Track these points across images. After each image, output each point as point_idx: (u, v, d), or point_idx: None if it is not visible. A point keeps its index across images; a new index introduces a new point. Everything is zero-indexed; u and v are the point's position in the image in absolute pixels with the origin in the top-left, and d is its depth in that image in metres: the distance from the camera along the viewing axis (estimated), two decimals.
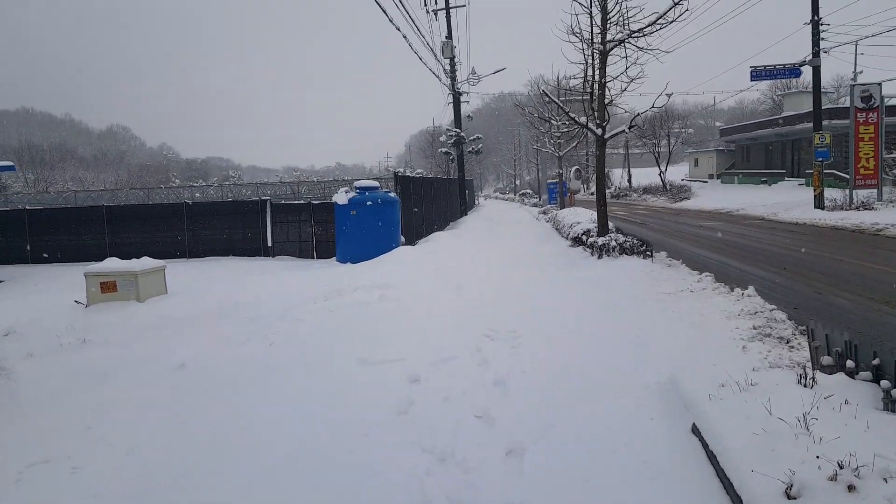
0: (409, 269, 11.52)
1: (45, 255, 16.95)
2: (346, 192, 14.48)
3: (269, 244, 16.81)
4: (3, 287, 13.36)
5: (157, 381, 5.92)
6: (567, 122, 15.62)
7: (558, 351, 6.22)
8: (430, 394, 5.17)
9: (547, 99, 23.19)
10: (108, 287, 10.10)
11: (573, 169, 29.82)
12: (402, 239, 15.72)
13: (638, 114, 12.56)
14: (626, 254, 12.06)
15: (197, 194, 24.26)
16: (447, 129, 31.70)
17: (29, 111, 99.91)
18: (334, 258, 15.17)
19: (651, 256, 11.84)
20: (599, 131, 12.75)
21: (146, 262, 10.57)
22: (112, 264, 10.31)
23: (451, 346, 6.60)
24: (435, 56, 24.99)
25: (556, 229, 20.26)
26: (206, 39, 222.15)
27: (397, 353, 6.33)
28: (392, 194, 15.29)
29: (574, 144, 28.62)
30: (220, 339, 7.61)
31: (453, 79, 29.49)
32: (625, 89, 13.01)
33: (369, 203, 14.14)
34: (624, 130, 13.08)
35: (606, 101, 12.76)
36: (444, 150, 32.78)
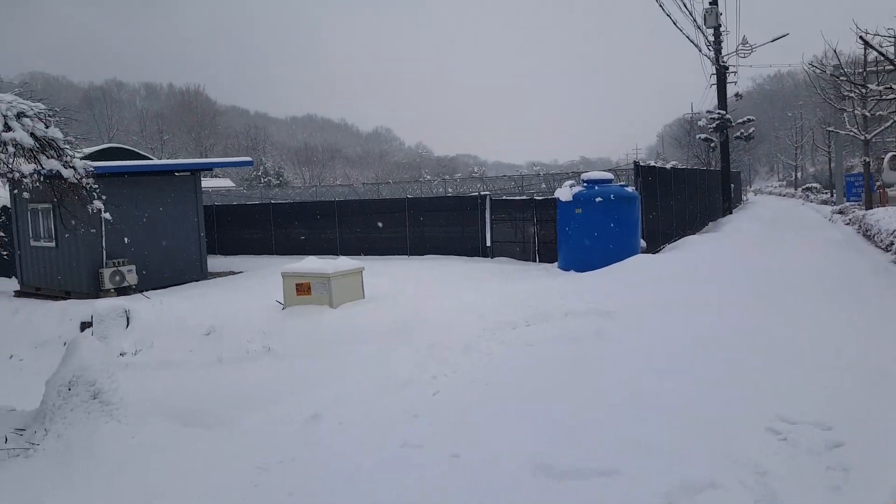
0: (644, 288, 8.64)
1: (284, 247, 17.91)
2: (571, 185, 11.95)
3: (488, 244, 15.20)
4: (239, 278, 14.08)
5: (271, 440, 4.41)
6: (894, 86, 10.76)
7: None
8: None
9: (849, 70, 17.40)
10: (302, 289, 9.38)
11: (888, 156, 22.41)
12: (643, 244, 12.65)
13: None
14: None
15: (423, 188, 24.07)
16: (708, 112, 26.67)
17: (313, 117, 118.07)
18: (556, 263, 12.86)
19: None
20: None
21: (342, 264, 9.64)
22: (308, 264, 9.59)
23: (704, 449, 3.81)
24: (695, 23, 20.77)
25: (865, 236, 14.85)
26: (457, 45, 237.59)
27: (607, 456, 3.79)
28: (630, 188, 12.31)
29: (890, 123, 21.51)
30: (381, 375, 5.94)
31: (718, 51, 24.52)
32: None
33: (599, 199, 11.44)
34: None
35: None
36: (703, 136, 27.78)
